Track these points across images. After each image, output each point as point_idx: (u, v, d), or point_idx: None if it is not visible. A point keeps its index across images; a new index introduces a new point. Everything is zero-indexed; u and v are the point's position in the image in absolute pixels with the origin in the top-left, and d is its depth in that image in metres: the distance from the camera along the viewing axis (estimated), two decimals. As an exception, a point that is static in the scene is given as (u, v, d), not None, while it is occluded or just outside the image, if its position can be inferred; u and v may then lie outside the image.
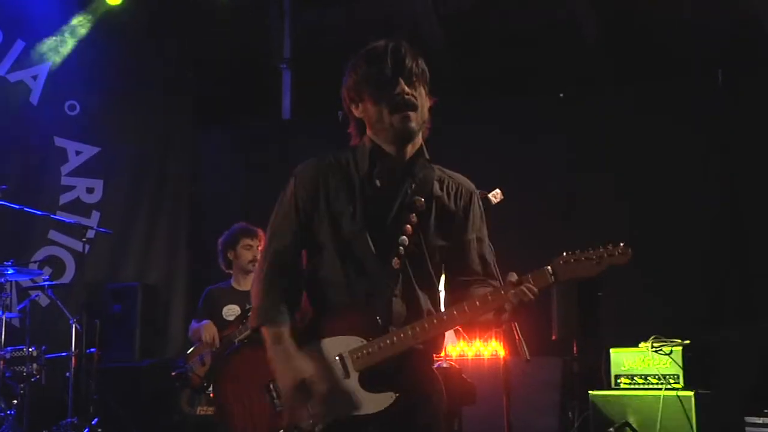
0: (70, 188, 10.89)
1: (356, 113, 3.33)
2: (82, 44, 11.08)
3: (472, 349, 9.00)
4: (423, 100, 3.29)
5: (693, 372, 8.04)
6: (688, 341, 8.12)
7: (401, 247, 3.21)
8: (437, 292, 3.47)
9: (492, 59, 11.23)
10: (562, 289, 8.93)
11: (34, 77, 10.92)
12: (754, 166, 10.05)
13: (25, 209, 9.44)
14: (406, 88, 3.23)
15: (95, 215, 10.79)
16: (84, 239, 9.60)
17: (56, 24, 11.00)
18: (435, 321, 3.28)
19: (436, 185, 3.33)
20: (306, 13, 11.75)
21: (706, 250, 9.80)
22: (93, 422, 8.68)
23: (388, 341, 3.20)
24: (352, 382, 3.20)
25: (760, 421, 7.85)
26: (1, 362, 8.52)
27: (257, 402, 3.36)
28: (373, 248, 3.24)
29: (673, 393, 7.93)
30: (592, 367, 8.75)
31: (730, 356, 8.76)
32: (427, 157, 3.36)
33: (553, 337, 8.74)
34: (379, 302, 3.26)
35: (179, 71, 11.46)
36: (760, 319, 8.62)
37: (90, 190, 10.94)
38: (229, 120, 11.65)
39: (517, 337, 6.00)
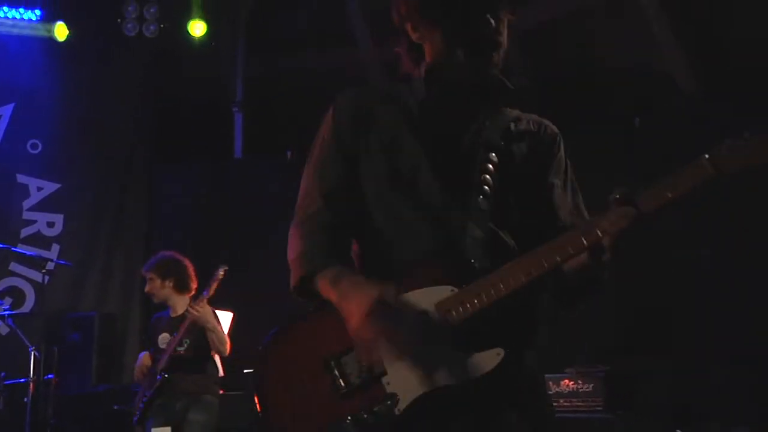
0: (32, 222, 11.00)
1: (413, 36, 2.65)
2: (44, 84, 11.20)
3: None
4: (506, 33, 2.64)
5: (613, 396, 8.16)
6: (608, 367, 8.32)
7: (485, 187, 2.58)
8: (523, 240, 2.68)
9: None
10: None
11: None
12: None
13: None
14: (495, 25, 2.57)
15: (55, 248, 10.89)
16: (44, 271, 9.48)
17: (22, 63, 11.14)
18: (526, 261, 2.51)
19: (512, 124, 2.72)
20: (257, 60, 11.90)
21: (622, 285, 10.40)
22: None
23: (488, 284, 2.44)
24: (446, 343, 2.43)
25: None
26: None
27: (310, 391, 2.54)
28: (445, 189, 2.58)
29: (597, 415, 8.16)
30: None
31: (646, 381, 8.78)
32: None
33: None
34: (461, 247, 2.55)
35: (137, 113, 11.56)
36: (673, 348, 8.90)
37: (50, 224, 11.05)
38: (185, 158, 11.71)
39: None
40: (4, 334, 9.99)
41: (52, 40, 10.99)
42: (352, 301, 2.41)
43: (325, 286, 2.51)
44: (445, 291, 2.43)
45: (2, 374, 8.92)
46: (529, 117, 2.76)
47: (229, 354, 7.42)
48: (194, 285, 7.53)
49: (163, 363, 7.11)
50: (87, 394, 10.03)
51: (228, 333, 7.49)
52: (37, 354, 8.79)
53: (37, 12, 10.95)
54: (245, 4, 11.62)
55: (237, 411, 8.57)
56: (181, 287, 7.41)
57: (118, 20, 10.91)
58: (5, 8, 10.88)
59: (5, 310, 9.45)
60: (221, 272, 7.10)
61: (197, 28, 11.25)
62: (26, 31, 11.14)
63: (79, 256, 10.90)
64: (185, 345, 7.17)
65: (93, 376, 10.21)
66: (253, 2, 11.57)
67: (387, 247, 2.61)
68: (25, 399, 8.75)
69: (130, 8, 10.86)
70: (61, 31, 10.83)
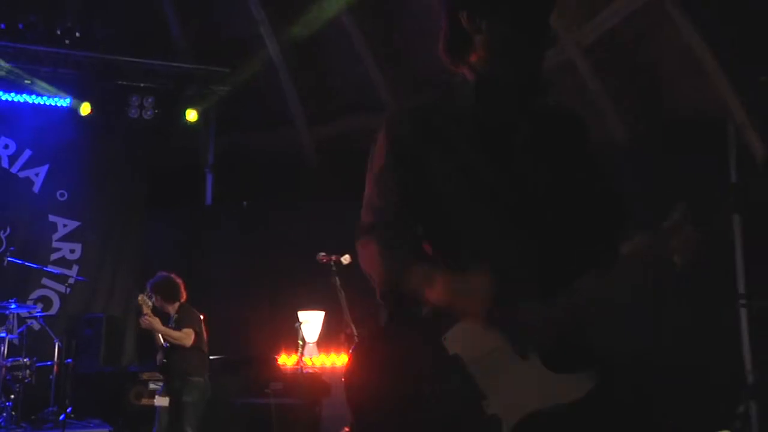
0: (58, 249, 11.45)
1: (467, 25, 2.25)
2: (71, 149, 11.54)
3: (329, 360, 9.44)
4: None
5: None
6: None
7: (544, 194, 2.19)
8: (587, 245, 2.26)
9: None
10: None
11: (37, 174, 11.51)
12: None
13: (26, 264, 10.21)
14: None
15: (75, 268, 11.37)
16: (66, 284, 10.49)
17: (55, 136, 11.42)
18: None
19: (562, 121, 2.36)
20: (223, 138, 12.28)
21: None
22: (68, 410, 9.28)
23: (567, 304, 2.08)
24: (534, 362, 2.06)
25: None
26: (4, 369, 9.05)
27: (406, 410, 2.12)
28: (508, 198, 2.19)
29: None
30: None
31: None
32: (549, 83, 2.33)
33: None
34: (532, 262, 2.16)
35: (136, 171, 11.96)
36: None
37: (72, 251, 11.50)
38: (170, 203, 11.95)
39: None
40: (36, 329, 10.24)
41: (78, 115, 11.28)
42: (461, 298, 2.09)
43: (418, 286, 2.17)
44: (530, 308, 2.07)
45: (35, 358, 9.44)
46: (572, 110, 2.42)
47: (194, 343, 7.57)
48: (180, 296, 7.90)
49: (160, 354, 7.62)
50: (96, 374, 10.47)
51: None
52: (60, 344, 9.68)
53: (67, 100, 11.18)
54: (214, 100, 11.74)
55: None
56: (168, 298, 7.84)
57: (125, 107, 11.27)
58: (44, 97, 11.14)
59: (38, 312, 10.11)
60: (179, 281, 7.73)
61: (191, 115, 11.66)
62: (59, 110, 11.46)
63: (92, 274, 11.42)
64: (166, 342, 7.63)
65: (101, 360, 10.56)
66: (219, 98, 11.70)
67: (471, 255, 2.18)
68: (51, 377, 9.58)
69: (133, 98, 11.24)
70: (85, 109, 11.14)
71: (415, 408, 2.08)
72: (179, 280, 7.89)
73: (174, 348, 7.57)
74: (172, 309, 7.73)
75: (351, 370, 2.22)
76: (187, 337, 7.50)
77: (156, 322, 7.55)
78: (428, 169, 2.22)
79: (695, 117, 8.84)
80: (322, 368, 9.13)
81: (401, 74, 11.04)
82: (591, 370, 2.05)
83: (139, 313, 7.80)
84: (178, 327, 7.60)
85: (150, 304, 7.63)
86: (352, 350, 2.33)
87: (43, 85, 11.14)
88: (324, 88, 11.97)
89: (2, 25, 10.49)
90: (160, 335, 7.57)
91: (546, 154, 2.20)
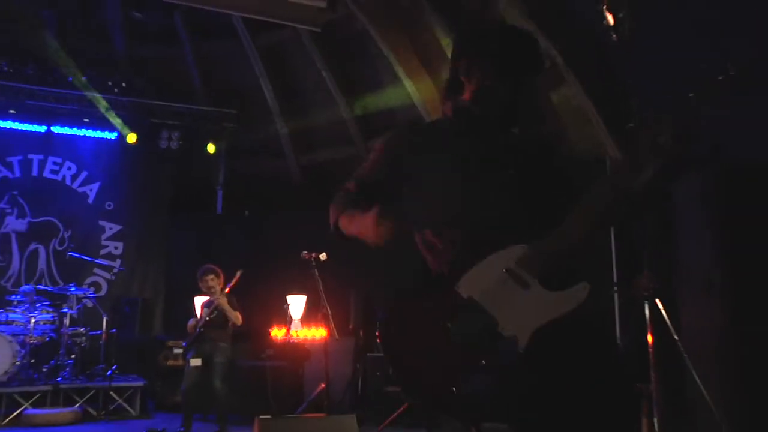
0: (106, 246, 11.86)
1: (461, 70, 2.38)
2: (117, 169, 11.95)
3: (309, 333, 9.31)
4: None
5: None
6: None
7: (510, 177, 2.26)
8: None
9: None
10: (358, 292, 9.57)
11: (91, 190, 11.91)
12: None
13: (83, 257, 10.76)
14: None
15: (118, 261, 11.80)
16: (112, 273, 11.60)
17: (105, 161, 11.92)
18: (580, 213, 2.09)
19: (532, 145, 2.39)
20: (231, 163, 12.37)
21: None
22: (113, 368, 9.39)
23: (556, 238, 2.08)
24: (536, 289, 2.09)
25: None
26: (66, 335, 9.43)
27: (436, 351, 2.11)
28: (487, 181, 2.26)
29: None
30: (372, 343, 9.02)
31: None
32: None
33: (350, 326, 9.51)
34: (513, 218, 2.21)
35: (164, 187, 12.21)
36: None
37: (116, 248, 11.91)
38: (188, 212, 12.12)
39: (331, 325, 7.19)
40: (89, 306, 10.32)
41: (122, 145, 11.76)
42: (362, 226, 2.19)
43: (344, 222, 2.33)
44: (520, 249, 2.09)
45: (88, 328, 9.83)
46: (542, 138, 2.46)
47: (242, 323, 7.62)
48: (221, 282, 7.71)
49: (201, 323, 7.60)
50: (133, 341, 10.70)
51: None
52: (107, 318, 9.96)
53: (115, 134, 11.66)
54: (225, 134, 11.90)
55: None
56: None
57: (157, 139, 11.66)
58: (97, 131, 11.63)
59: (90, 294, 10.35)
60: (238, 274, 7.44)
61: (211, 148, 12.02)
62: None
63: (130, 266, 11.82)
64: (213, 315, 7.58)
65: (136, 331, 10.86)
66: (228, 132, 11.89)
67: (443, 222, 2.19)
68: (100, 342, 9.91)
69: (163, 132, 11.63)
70: (131, 138, 11.54)
71: (443, 345, 2.08)
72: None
73: (211, 321, 7.58)
74: (216, 292, 7.63)
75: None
76: (238, 317, 7.61)
77: (225, 302, 7.53)
78: (405, 165, 2.34)
79: (585, 155, 8.89)
80: (305, 339, 9.14)
81: (362, 116, 11.19)
82: (582, 284, 2.08)
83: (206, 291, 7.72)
84: (232, 308, 7.59)
85: (233, 284, 7.49)
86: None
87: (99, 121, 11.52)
88: (307, 126, 12.02)
89: (69, 78, 10.92)
90: (206, 312, 7.59)
91: (500, 166, 2.26)
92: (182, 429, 7.32)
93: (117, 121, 11.26)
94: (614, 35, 5.78)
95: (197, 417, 8.17)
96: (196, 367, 7.39)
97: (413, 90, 10.65)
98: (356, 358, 9.02)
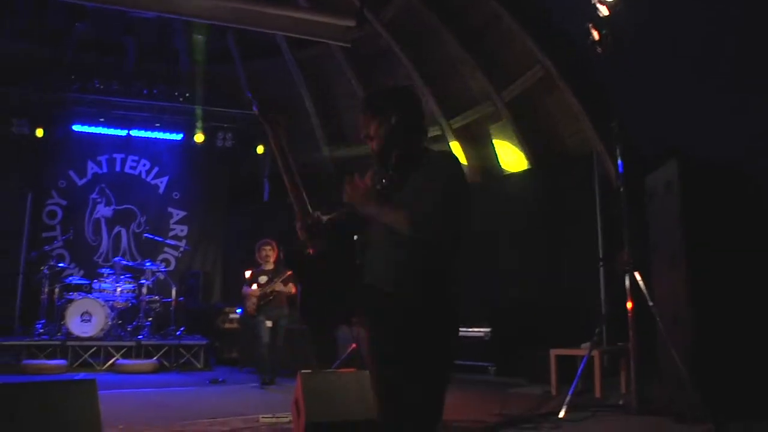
0: (173, 229, 12.10)
1: (372, 124, 2.51)
2: (184, 165, 12.08)
3: None
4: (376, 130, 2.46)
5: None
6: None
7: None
8: None
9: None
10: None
11: (161, 182, 12.15)
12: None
13: (156, 238, 11.17)
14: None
15: (183, 241, 12.08)
16: (179, 252, 11.91)
17: (172, 158, 12.03)
18: None
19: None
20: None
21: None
22: (182, 329, 9.77)
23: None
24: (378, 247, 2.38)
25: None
26: (144, 302, 9.83)
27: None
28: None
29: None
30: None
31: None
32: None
33: None
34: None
35: (221, 180, 12.34)
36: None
37: (182, 230, 12.14)
38: (241, 200, 12.21)
39: None
40: (161, 279, 10.56)
41: (187, 144, 11.85)
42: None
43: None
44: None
45: (161, 297, 10.16)
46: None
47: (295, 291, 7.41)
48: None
49: (269, 289, 7.61)
50: (197, 307, 10.97)
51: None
52: (175, 288, 10.30)
53: (181, 135, 11.79)
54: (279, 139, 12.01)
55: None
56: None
57: (214, 139, 11.76)
58: (167, 133, 11.75)
59: (162, 268, 10.54)
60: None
61: (259, 149, 11.89)
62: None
63: (194, 246, 12.08)
64: (278, 287, 7.64)
65: (199, 299, 11.25)
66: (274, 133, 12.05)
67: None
68: (170, 308, 10.17)
69: (219, 134, 11.73)
70: (199, 138, 11.66)
71: (337, 278, 2.38)
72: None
73: (278, 291, 7.64)
74: (270, 262, 7.71)
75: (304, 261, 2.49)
76: (292, 288, 7.64)
77: (285, 276, 7.56)
78: None
79: (574, 151, 8.98)
80: None
81: (446, 100, 10.77)
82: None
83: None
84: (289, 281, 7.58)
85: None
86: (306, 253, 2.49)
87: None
88: (338, 126, 12.05)
89: (145, 91, 11.25)
90: (263, 278, 7.66)
91: (394, 186, 2.39)
92: (266, 379, 7.46)
93: (199, 124, 11.50)
94: (598, 48, 5.88)
95: (251, 370, 8.48)
96: (268, 328, 7.48)
97: (431, 99, 10.75)
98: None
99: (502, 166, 10.24)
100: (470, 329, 8.80)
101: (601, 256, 7.88)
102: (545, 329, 7.96)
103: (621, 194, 5.75)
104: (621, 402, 5.93)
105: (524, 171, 9.65)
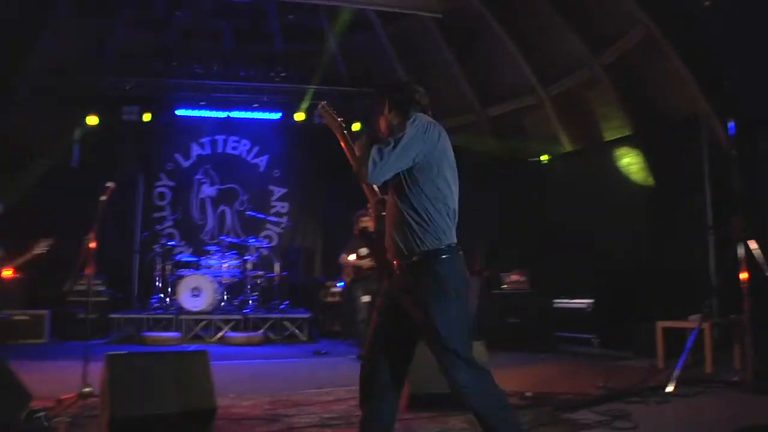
0: (274, 206, 12.29)
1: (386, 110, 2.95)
2: (282, 143, 12.15)
3: None
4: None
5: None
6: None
7: None
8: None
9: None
10: (482, 238, 9.28)
11: (262, 161, 12.38)
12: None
13: (258, 215, 11.38)
14: None
15: (285, 218, 12.20)
16: (281, 228, 12.05)
17: (272, 137, 12.06)
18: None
19: None
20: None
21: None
22: (286, 303, 10.13)
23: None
24: None
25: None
26: (249, 277, 10.10)
27: None
28: None
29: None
30: (495, 280, 8.99)
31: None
32: None
33: (476, 267, 9.22)
34: None
35: (318, 157, 11.76)
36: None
37: (282, 207, 12.32)
38: (340, 176, 9.80)
39: None
40: (265, 254, 10.70)
41: (285, 123, 11.78)
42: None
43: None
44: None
45: (265, 271, 10.41)
46: None
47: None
48: None
49: (366, 265, 7.61)
50: (299, 282, 11.26)
51: None
52: (278, 263, 10.62)
53: (279, 114, 11.75)
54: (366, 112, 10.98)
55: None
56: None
57: (312, 118, 11.40)
58: (266, 113, 11.76)
59: (265, 244, 10.83)
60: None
61: (355, 126, 10.80)
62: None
63: (295, 222, 12.17)
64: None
65: (301, 274, 11.57)
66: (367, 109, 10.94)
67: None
68: (275, 283, 10.42)
69: (316, 111, 10.89)
70: (299, 116, 11.55)
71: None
72: None
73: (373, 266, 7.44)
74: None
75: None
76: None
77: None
78: None
79: (678, 115, 8.67)
80: None
81: (541, 66, 10.54)
82: None
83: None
84: None
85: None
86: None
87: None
88: (432, 98, 12.25)
89: (242, 72, 11.41)
90: (363, 249, 7.56)
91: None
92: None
93: (305, 105, 11.50)
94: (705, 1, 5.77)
95: (353, 342, 8.53)
96: (366, 302, 7.55)
97: (523, 63, 10.56)
98: (481, 295, 8.97)
99: (603, 133, 9.99)
100: (571, 301, 8.73)
101: (710, 223, 7.61)
102: (651, 301, 7.78)
103: (733, 158, 5.55)
104: (735, 378, 5.68)
105: (626, 137, 9.39)
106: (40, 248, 5.78)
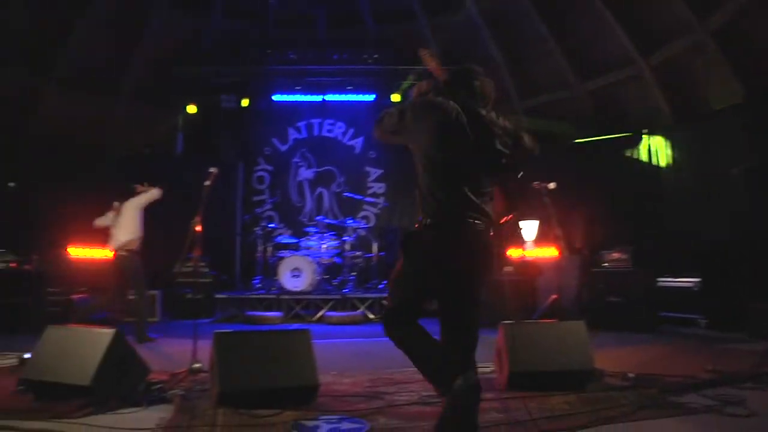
0: (371, 187, 12.40)
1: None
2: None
3: (541, 252, 8.98)
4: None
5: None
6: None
7: None
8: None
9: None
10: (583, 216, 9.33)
11: (357, 142, 12.51)
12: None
13: (355, 196, 11.48)
14: None
15: (382, 198, 12.29)
16: (378, 208, 12.13)
17: (366, 118, 11.76)
18: None
19: None
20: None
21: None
22: (384, 282, 9.89)
23: None
24: None
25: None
26: (347, 257, 10.20)
27: None
28: None
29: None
30: (595, 259, 8.82)
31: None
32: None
33: (577, 246, 9.34)
34: None
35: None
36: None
37: (379, 188, 12.42)
38: None
39: (562, 245, 7.09)
40: (362, 235, 10.78)
41: (378, 103, 11.65)
42: None
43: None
44: None
45: (363, 252, 10.52)
46: None
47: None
48: None
49: None
50: (397, 261, 11.75)
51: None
52: (376, 243, 10.73)
53: (373, 96, 11.95)
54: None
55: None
56: None
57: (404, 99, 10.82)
58: (359, 95, 11.97)
59: (363, 225, 10.91)
60: None
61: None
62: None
63: (391, 202, 12.18)
64: None
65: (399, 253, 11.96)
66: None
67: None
68: (372, 263, 10.57)
69: (410, 92, 11.97)
70: (395, 98, 11.20)
71: None
72: None
73: None
74: None
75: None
76: None
77: None
78: None
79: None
80: (536, 258, 9.02)
81: (640, 34, 10.16)
82: None
83: None
84: None
85: None
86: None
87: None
88: (527, 73, 11.58)
89: (335, 56, 11.62)
90: None
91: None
92: None
93: (406, 84, 11.37)
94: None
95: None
96: None
97: (623, 35, 10.20)
98: (582, 273, 8.83)
99: (711, 103, 9.55)
100: (677, 279, 8.44)
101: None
102: (765, 280, 7.42)
103: None
104: None
105: (736, 106, 8.95)
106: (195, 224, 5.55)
